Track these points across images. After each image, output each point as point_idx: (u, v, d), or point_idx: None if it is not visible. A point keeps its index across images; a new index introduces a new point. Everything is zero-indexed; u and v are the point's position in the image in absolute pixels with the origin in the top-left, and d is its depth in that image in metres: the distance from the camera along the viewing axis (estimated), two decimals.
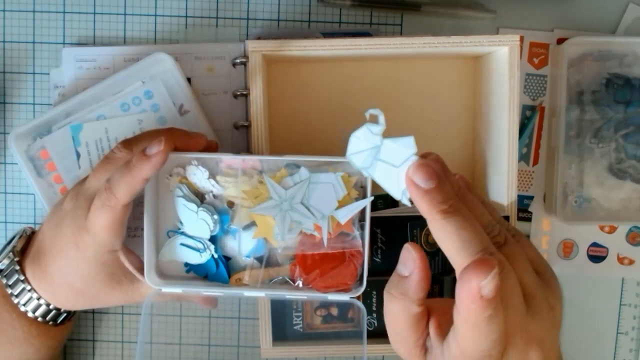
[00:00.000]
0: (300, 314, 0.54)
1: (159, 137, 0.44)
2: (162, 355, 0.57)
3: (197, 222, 0.45)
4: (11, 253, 0.48)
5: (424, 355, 0.38)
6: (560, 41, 0.55)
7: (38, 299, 0.47)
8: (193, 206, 0.45)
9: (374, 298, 0.53)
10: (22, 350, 0.47)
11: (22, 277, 0.47)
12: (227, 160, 0.45)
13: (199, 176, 0.45)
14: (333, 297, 0.44)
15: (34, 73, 0.55)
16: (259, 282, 0.45)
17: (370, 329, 0.53)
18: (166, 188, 0.46)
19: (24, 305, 0.47)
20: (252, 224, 0.45)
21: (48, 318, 0.48)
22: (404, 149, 0.36)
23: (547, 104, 0.56)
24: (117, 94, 0.53)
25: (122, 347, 0.57)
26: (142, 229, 0.46)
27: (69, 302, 0.48)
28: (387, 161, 0.36)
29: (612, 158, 0.55)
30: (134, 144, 0.45)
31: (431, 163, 0.35)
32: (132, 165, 0.42)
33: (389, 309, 0.38)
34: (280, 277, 0.45)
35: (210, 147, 0.48)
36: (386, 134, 0.39)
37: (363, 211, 0.43)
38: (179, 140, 0.44)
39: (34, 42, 0.55)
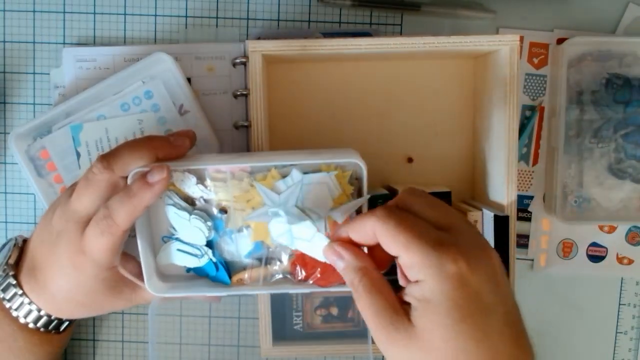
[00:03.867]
0: (300, 313, 0.54)
1: (143, 150, 0.42)
2: (162, 355, 0.57)
3: (191, 229, 0.44)
4: (5, 266, 0.46)
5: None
6: (560, 41, 0.55)
7: (38, 310, 0.46)
8: (185, 214, 0.44)
9: None
10: (24, 359, 0.47)
11: (20, 291, 0.45)
12: (214, 166, 0.43)
13: (187, 183, 0.43)
14: (335, 289, 0.44)
15: (34, 73, 0.55)
16: (260, 282, 0.45)
17: None
18: None
19: (24, 317, 0.46)
20: (247, 226, 0.45)
21: (50, 327, 0.47)
22: (307, 229, 0.42)
23: (547, 104, 0.56)
24: (117, 94, 0.53)
25: (122, 347, 0.57)
26: None
27: (71, 314, 0.47)
28: (301, 237, 0.42)
29: (612, 158, 0.55)
30: (113, 161, 0.42)
31: (335, 247, 0.40)
32: (133, 193, 0.40)
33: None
34: (281, 275, 0.45)
35: (193, 142, 0.46)
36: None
37: (362, 206, 0.43)
38: (161, 151, 0.43)
39: (34, 42, 0.55)
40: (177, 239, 0.45)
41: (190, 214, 0.44)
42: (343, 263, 0.40)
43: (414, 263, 0.35)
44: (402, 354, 0.36)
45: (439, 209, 0.39)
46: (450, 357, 0.35)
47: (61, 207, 0.44)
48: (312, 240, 0.42)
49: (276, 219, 0.43)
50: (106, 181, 0.42)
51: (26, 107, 0.56)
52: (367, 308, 0.37)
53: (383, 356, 0.57)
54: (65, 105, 0.52)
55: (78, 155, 0.53)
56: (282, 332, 0.53)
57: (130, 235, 0.47)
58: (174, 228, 0.45)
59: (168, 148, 0.43)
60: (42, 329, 0.47)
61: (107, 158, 0.42)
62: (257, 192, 0.43)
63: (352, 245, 0.40)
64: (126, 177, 0.43)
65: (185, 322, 0.57)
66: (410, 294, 0.36)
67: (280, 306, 0.53)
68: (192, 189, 0.44)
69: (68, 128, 0.52)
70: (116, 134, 0.52)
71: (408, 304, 0.37)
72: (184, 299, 0.51)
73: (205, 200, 0.44)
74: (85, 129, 0.52)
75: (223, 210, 0.44)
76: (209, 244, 0.45)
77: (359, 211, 0.43)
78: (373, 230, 0.37)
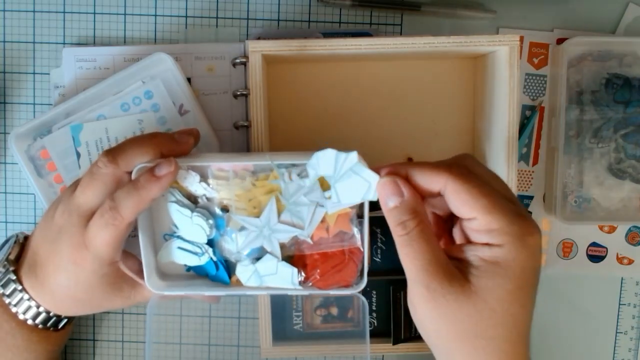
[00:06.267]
0: (300, 313, 0.54)
1: (148, 146, 0.43)
2: (162, 355, 0.57)
3: (192, 227, 0.44)
4: (6, 262, 0.47)
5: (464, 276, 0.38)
6: (560, 41, 0.55)
7: (37, 307, 0.46)
8: (187, 211, 0.44)
9: (373, 298, 0.53)
10: (22, 358, 0.47)
11: (20, 287, 0.46)
12: (217, 164, 0.44)
13: (190, 180, 0.44)
14: (335, 292, 0.44)
15: (34, 73, 0.55)
16: None
17: (370, 328, 0.53)
18: None
19: (23, 313, 0.46)
20: None
21: (49, 324, 0.47)
22: (270, 262, 0.44)
23: (547, 104, 0.56)
24: (117, 94, 0.53)
25: (122, 347, 0.57)
26: None
27: (70, 311, 0.48)
28: (267, 273, 0.44)
29: (612, 158, 0.55)
30: (119, 156, 0.42)
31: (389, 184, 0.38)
32: (140, 186, 0.41)
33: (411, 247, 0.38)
34: None
35: (196, 140, 0.47)
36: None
37: (361, 208, 0.43)
38: (165, 147, 0.43)
39: (34, 42, 0.55)
40: (179, 237, 0.45)
41: (193, 211, 0.44)
42: (397, 201, 0.38)
43: (494, 228, 0.36)
44: (451, 307, 0.37)
45: (501, 182, 0.40)
46: (501, 318, 0.36)
47: (64, 202, 0.45)
48: (278, 272, 0.43)
49: (240, 264, 0.44)
50: (111, 175, 0.42)
51: (26, 107, 0.56)
52: (420, 255, 0.37)
53: (383, 356, 0.58)
54: (65, 105, 0.52)
55: (78, 155, 0.53)
56: (282, 332, 0.53)
57: (131, 235, 0.47)
58: (175, 226, 0.45)
59: (172, 145, 0.44)
60: (40, 326, 0.47)
61: (112, 152, 0.43)
62: (259, 191, 0.43)
63: (411, 186, 0.38)
64: (130, 173, 0.43)
65: (185, 322, 0.57)
66: (475, 254, 0.37)
67: (280, 306, 0.53)
68: (195, 186, 0.44)
69: (68, 128, 0.52)
70: (116, 134, 0.53)
71: (459, 261, 0.38)
72: (183, 298, 0.51)
73: (208, 199, 0.45)
74: (85, 129, 0.52)
75: (225, 209, 0.44)
76: (210, 243, 0.45)
77: (361, 208, 0.42)
78: (443, 185, 0.37)
